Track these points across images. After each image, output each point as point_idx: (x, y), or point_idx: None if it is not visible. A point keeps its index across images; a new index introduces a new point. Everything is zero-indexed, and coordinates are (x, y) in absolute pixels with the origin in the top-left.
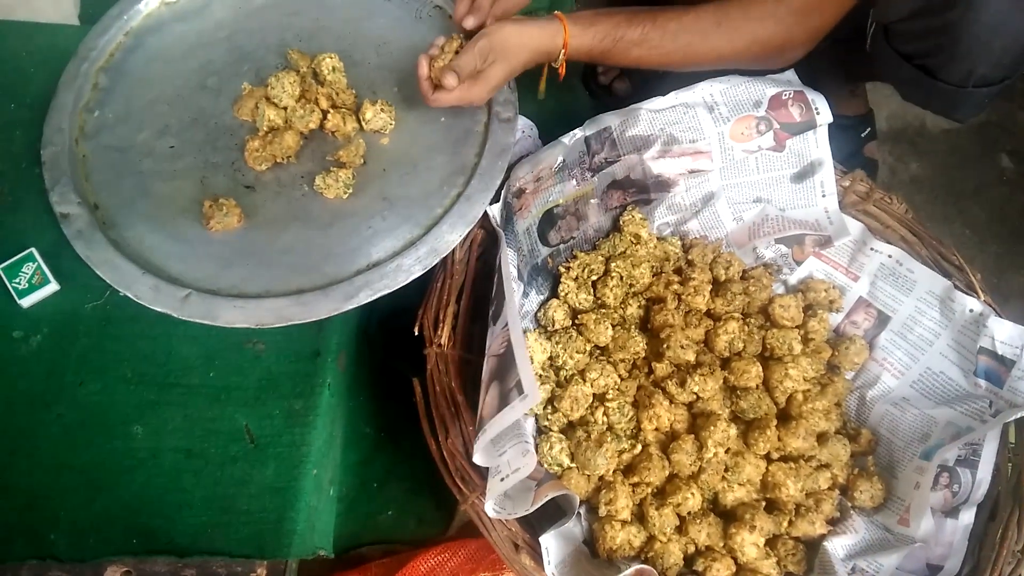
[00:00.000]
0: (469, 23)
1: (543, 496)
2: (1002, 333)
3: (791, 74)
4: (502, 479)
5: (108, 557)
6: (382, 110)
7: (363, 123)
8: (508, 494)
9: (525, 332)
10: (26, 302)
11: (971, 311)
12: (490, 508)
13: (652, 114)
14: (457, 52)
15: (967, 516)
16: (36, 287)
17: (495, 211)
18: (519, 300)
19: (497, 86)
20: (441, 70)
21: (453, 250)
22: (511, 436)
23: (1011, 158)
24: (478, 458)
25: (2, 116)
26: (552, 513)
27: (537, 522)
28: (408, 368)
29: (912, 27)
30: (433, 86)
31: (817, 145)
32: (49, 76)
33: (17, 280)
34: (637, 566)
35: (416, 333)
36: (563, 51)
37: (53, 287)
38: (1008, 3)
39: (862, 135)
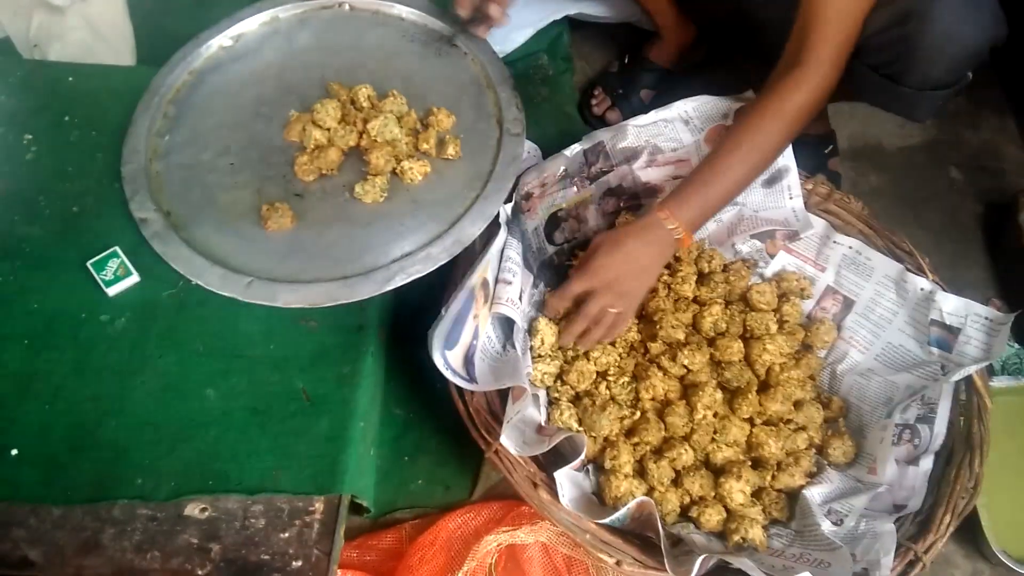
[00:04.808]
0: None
1: (556, 439)
2: (949, 305)
3: (751, 93)
4: (508, 420)
5: (188, 496)
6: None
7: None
8: (526, 441)
9: (537, 318)
10: (112, 291)
11: (922, 289)
12: (512, 447)
13: (638, 129)
14: None
15: (926, 463)
16: (120, 278)
17: (507, 209)
18: (530, 290)
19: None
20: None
21: (473, 242)
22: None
23: (959, 170)
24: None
25: (86, 142)
26: (562, 463)
27: (551, 468)
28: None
29: (878, 40)
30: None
31: (783, 155)
32: (122, 109)
33: (104, 272)
34: (640, 499)
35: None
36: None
37: (135, 279)
38: (954, 17)
39: (825, 151)
